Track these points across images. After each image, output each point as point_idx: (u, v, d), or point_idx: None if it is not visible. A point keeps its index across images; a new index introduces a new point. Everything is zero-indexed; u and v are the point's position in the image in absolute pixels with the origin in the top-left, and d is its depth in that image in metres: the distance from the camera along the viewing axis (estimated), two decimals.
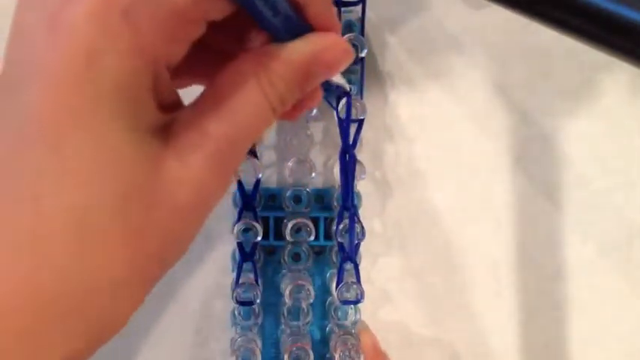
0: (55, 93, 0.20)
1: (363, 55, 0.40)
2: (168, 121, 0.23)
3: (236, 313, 0.41)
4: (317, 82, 0.26)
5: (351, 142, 0.39)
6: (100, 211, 0.20)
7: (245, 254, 0.40)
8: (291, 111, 0.27)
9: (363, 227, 0.40)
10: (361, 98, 0.41)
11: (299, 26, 0.25)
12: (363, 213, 0.43)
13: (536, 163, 0.46)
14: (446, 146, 0.45)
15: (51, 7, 0.20)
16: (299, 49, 0.24)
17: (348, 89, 0.33)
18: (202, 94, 0.24)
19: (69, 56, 0.20)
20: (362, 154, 0.44)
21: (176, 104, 0.24)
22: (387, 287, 0.45)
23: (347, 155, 0.39)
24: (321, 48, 0.25)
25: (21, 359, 0.20)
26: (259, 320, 0.42)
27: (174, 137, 0.22)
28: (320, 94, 0.29)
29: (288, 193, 0.42)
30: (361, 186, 0.43)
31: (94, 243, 0.20)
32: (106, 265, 0.21)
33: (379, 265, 0.45)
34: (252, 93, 0.24)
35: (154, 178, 0.21)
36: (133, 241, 0.21)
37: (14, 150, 0.20)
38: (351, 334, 0.41)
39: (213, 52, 0.26)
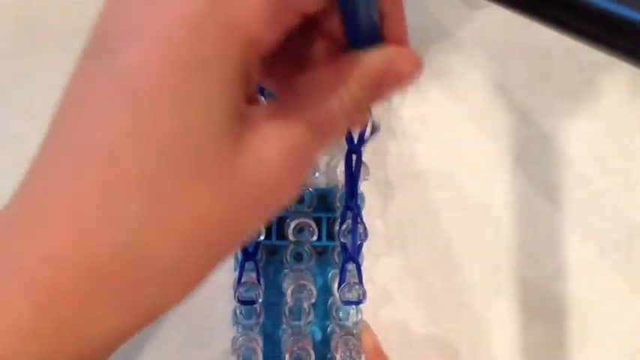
0: (161, 53, 0.20)
1: None
2: (249, 112, 0.23)
3: (238, 312, 0.41)
4: (388, 92, 0.26)
5: (356, 143, 0.39)
6: (171, 182, 0.20)
7: (247, 254, 0.40)
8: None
9: (365, 228, 0.40)
10: None
11: (376, 35, 0.25)
12: (365, 213, 0.43)
13: (536, 163, 0.46)
14: (446, 146, 0.45)
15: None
16: (376, 58, 0.25)
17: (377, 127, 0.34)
18: (280, 97, 0.25)
19: (174, 24, 0.20)
20: (365, 154, 0.44)
21: (254, 99, 0.24)
22: (388, 287, 0.45)
23: (353, 156, 0.39)
24: (396, 59, 0.25)
25: (71, 323, 0.20)
26: (261, 320, 0.42)
27: (254, 127, 0.22)
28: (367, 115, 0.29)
29: None
30: (363, 186, 0.43)
31: (159, 215, 0.20)
32: (168, 241, 0.20)
33: (380, 265, 0.45)
34: (331, 97, 0.23)
35: (232, 160, 0.21)
36: (197, 224, 0.21)
37: (109, 99, 0.20)
38: (352, 334, 0.41)
39: (288, 58, 0.26)
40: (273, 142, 0.22)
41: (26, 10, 0.43)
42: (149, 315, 0.22)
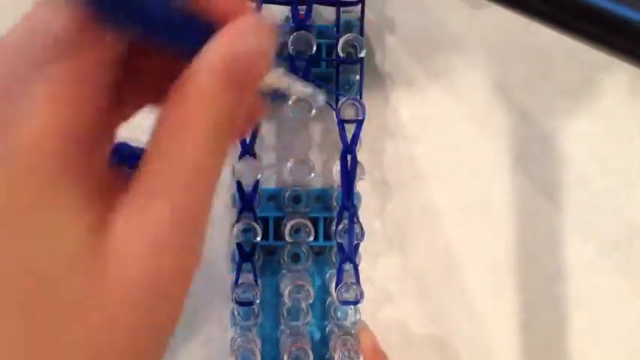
0: None
1: (362, 55, 0.40)
2: (118, 175, 0.21)
3: (235, 313, 0.41)
4: (250, 84, 0.21)
5: (351, 143, 0.39)
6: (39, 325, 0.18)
7: (244, 255, 0.40)
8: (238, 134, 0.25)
9: (362, 228, 0.40)
10: (360, 98, 0.41)
11: (198, 30, 0.21)
12: (363, 213, 0.43)
13: (536, 163, 0.46)
14: (446, 146, 0.45)
15: None
16: (212, 51, 0.20)
17: (321, 100, 0.27)
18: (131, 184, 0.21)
19: None
20: (362, 154, 0.44)
21: (105, 175, 0.21)
22: (387, 287, 0.45)
23: (348, 156, 0.39)
24: (233, 37, 0.20)
25: None
26: (259, 320, 0.42)
27: (120, 201, 0.20)
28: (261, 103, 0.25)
29: (287, 194, 0.42)
30: (361, 186, 0.43)
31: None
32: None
33: (379, 266, 0.45)
34: (180, 147, 0.20)
35: (97, 252, 0.19)
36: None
37: None
38: (350, 334, 0.41)
39: (148, 74, 0.23)
40: (136, 249, 0.19)
41: (25, 10, 0.43)
42: None
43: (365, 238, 0.41)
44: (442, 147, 0.45)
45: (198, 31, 0.21)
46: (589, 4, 0.32)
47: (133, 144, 0.41)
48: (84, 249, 0.19)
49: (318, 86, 0.34)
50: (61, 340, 0.18)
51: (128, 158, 0.35)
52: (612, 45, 0.33)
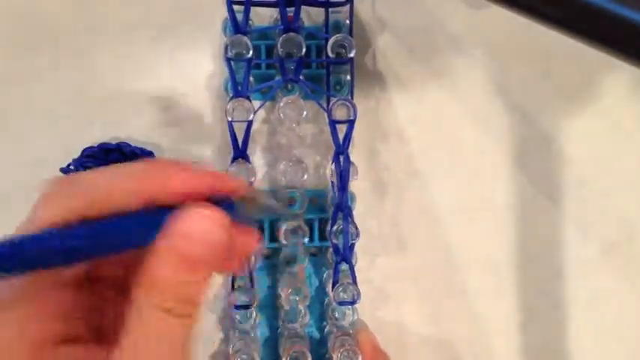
0: None
1: (352, 55, 0.40)
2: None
3: (234, 316, 0.41)
4: (211, 261, 0.23)
5: (343, 143, 0.39)
6: None
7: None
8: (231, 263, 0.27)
9: (357, 228, 0.40)
10: (352, 98, 0.41)
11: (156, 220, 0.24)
12: (361, 214, 0.43)
13: (536, 163, 0.46)
14: (446, 146, 0.45)
15: None
16: (162, 261, 0.23)
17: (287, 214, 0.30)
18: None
19: None
20: (359, 154, 0.44)
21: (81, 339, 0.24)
22: (387, 287, 0.45)
23: (340, 156, 0.39)
24: (179, 237, 0.23)
25: None
26: (257, 323, 0.42)
27: None
28: (253, 236, 0.27)
29: (282, 196, 0.42)
30: (359, 187, 0.43)
31: None
32: None
33: (378, 265, 0.45)
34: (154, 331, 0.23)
35: None
36: None
37: None
38: (349, 334, 0.41)
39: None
40: None
41: (25, 10, 0.43)
42: None
43: (363, 239, 0.41)
44: (442, 147, 0.45)
45: (146, 224, 0.23)
46: (589, 4, 0.32)
47: (133, 144, 0.41)
48: None
49: (312, 90, 0.34)
50: None
51: (130, 157, 0.35)
52: (612, 45, 0.33)
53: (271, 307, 0.44)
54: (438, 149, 0.45)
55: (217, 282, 0.45)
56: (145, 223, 0.23)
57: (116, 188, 0.23)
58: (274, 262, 0.43)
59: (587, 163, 0.46)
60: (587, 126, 0.46)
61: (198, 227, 0.23)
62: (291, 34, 0.39)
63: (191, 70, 0.43)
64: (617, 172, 0.46)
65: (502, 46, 0.45)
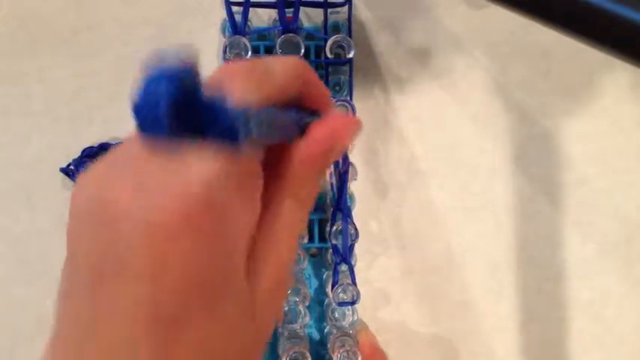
0: (153, 298, 0.20)
1: (350, 55, 0.40)
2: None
3: None
4: (332, 161, 0.28)
5: None
6: None
7: None
8: None
9: (356, 229, 0.40)
10: (350, 99, 0.41)
11: (300, 122, 0.26)
12: (361, 214, 0.43)
13: (536, 163, 0.46)
14: (446, 146, 0.45)
15: (148, 209, 0.20)
16: (309, 147, 0.25)
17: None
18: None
19: (167, 264, 0.20)
20: (359, 154, 0.44)
21: None
22: (388, 287, 0.45)
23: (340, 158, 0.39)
24: (326, 136, 0.26)
25: None
26: None
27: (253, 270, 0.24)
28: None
29: None
30: (360, 187, 0.43)
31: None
32: None
33: (379, 266, 0.45)
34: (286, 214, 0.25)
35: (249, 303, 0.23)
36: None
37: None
38: (348, 335, 0.41)
39: None
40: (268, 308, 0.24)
41: (24, 10, 0.43)
42: None
43: (363, 239, 0.41)
44: (442, 147, 0.45)
45: (297, 122, 0.25)
46: (589, 4, 0.32)
47: None
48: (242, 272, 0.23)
49: None
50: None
51: None
52: (612, 45, 0.33)
53: None
54: (438, 149, 0.45)
55: None
56: (298, 117, 0.26)
57: (289, 79, 0.25)
58: None
59: (587, 163, 0.46)
60: (587, 126, 0.45)
61: (348, 132, 0.26)
62: (290, 34, 0.39)
63: None
64: (617, 172, 0.46)
65: (502, 46, 0.45)
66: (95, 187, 0.21)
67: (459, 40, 0.45)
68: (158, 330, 0.20)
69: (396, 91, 0.45)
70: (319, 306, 0.44)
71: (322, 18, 0.41)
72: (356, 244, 0.41)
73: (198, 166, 0.20)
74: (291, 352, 0.39)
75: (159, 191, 0.20)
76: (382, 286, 0.45)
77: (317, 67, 0.42)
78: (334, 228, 0.40)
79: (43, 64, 0.43)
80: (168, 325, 0.20)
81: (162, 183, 0.20)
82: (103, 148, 0.42)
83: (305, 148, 0.25)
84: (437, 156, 0.45)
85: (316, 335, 0.44)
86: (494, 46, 0.45)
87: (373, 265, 0.45)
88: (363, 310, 0.43)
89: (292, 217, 0.25)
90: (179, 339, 0.20)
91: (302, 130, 0.26)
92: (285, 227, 0.25)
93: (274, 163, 0.25)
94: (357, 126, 0.27)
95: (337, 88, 0.42)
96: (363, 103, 0.44)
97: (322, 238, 0.43)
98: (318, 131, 0.26)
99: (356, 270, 0.41)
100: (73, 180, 0.43)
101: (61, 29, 0.43)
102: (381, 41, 0.45)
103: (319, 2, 0.40)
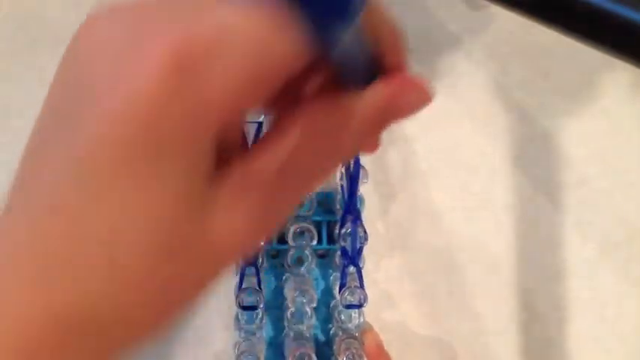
0: (114, 135, 0.19)
1: None
2: (224, 164, 0.21)
3: (240, 317, 0.41)
4: (395, 122, 0.24)
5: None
6: (132, 256, 0.20)
7: (247, 259, 0.40)
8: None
9: (365, 231, 0.40)
10: None
11: (371, 69, 0.23)
12: (366, 215, 0.43)
13: (536, 163, 0.46)
14: (446, 146, 0.45)
15: (124, 43, 0.19)
16: (373, 99, 0.22)
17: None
18: (264, 137, 0.22)
19: (133, 101, 0.19)
20: (364, 156, 0.44)
21: (238, 142, 0.23)
22: (390, 288, 0.45)
23: (351, 160, 0.39)
24: (397, 93, 0.23)
25: None
26: (263, 324, 0.42)
27: (224, 185, 0.21)
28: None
29: None
30: (363, 188, 0.43)
31: (122, 280, 0.20)
32: (132, 299, 0.20)
33: (382, 267, 0.45)
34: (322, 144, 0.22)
35: (198, 233, 0.21)
36: (161, 289, 0.21)
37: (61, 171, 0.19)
38: (354, 337, 0.41)
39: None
40: (237, 215, 0.21)
41: (24, 10, 0.43)
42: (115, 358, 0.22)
43: (369, 240, 0.41)
44: (442, 147, 0.45)
45: (369, 69, 0.22)
46: (589, 4, 0.32)
47: None
48: (198, 195, 0.20)
49: None
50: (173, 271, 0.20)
51: None
52: (612, 45, 0.33)
53: (277, 308, 0.44)
54: (438, 149, 0.45)
55: (223, 283, 0.45)
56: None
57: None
58: (281, 264, 0.43)
59: (587, 163, 0.46)
60: (587, 126, 0.46)
61: (414, 105, 0.23)
62: None
63: None
64: (617, 172, 0.46)
65: (502, 46, 0.45)
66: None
67: (459, 40, 0.45)
68: (102, 172, 0.19)
69: None
70: (325, 307, 0.44)
71: None
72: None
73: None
74: (296, 353, 0.39)
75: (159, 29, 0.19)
76: (385, 286, 0.45)
77: None
78: (343, 230, 0.40)
79: (43, 64, 0.42)
80: (108, 169, 0.19)
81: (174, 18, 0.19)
82: None
83: (373, 98, 0.22)
84: (437, 156, 0.45)
85: (322, 337, 0.44)
86: (494, 46, 0.45)
87: (378, 266, 0.45)
88: (366, 310, 0.43)
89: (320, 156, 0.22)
90: (113, 186, 0.19)
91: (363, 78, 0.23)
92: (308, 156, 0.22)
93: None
94: (426, 97, 0.24)
95: None
96: None
97: (330, 240, 0.43)
98: (393, 85, 0.23)
99: (362, 272, 0.40)
100: None
101: (61, 29, 0.43)
102: None
103: None
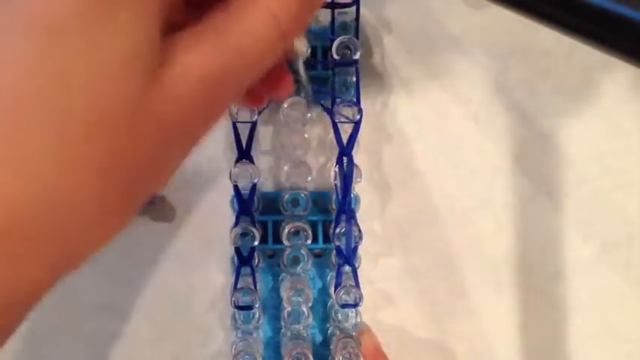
0: None
1: (357, 57, 0.40)
2: (168, 39, 0.21)
3: (236, 317, 0.41)
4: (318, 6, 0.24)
5: (347, 145, 0.39)
6: (78, 124, 0.19)
7: (243, 259, 0.40)
8: (260, 97, 0.26)
9: (360, 230, 0.40)
10: (357, 100, 0.41)
11: None
12: (363, 214, 0.43)
13: (536, 163, 0.46)
14: (446, 146, 0.45)
15: None
16: None
17: (305, 51, 0.27)
18: (203, 19, 0.22)
19: None
20: (362, 155, 0.44)
21: (178, 23, 0.22)
22: (388, 288, 0.45)
23: (344, 158, 0.39)
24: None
25: None
26: (260, 324, 0.42)
27: (172, 58, 0.20)
28: (289, 81, 0.27)
29: (286, 197, 0.42)
30: (361, 187, 0.43)
31: (71, 160, 0.19)
32: (83, 186, 0.19)
33: (380, 266, 0.45)
34: (261, 12, 0.22)
35: (145, 97, 0.20)
36: (108, 163, 0.20)
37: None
38: (351, 337, 0.41)
39: None
40: (190, 72, 0.21)
41: None
42: (69, 263, 0.21)
43: (365, 240, 0.41)
44: (442, 147, 0.45)
45: None
46: (589, 4, 0.32)
47: None
48: (142, 66, 0.20)
49: (318, 91, 0.34)
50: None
51: None
52: (612, 45, 0.33)
53: (274, 308, 0.44)
54: (438, 149, 0.45)
55: (220, 282, 0.45)
56: None
57: None
58: (277, 263, 0.43)
59: (587, 163, 0.46)
60: (587, 126, 0.45)
61: None
62: None
63: None
64: (617, 172, 0.46)
65: (502, 46, 0.45)
66: None
67: (459, 40, 0.45)
68: (50, 35, 0.18)
69: (395, 91, 0.45)
70: (322, 307, 0.44)
71: (330, 18, 0.41)
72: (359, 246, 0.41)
73: None
74: (293, 353, 0.39)
75: None
76: (383, 286, 0.45)
77: (323, 68, 0.42)
78: (338, 229, 0.40)
79: None
80: (57, 29, 0.18)
81: None
82: None
83: None
84: (436, 156, 0.45)
85: (319, 336, 0.44)
86: (494, 46, 0.45)
87: (375, 266, 0.45)
88: (363, 310, 0.43)
89: (262, 34, 0.22)
90: (66, 42, 0.19)
91: None
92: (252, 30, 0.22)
93: None
94: None
95: (343, 89, 0.42)
96: (367, 104, 0.44)
97: (326, 239, 0.43)
98: None
99: (358, 271, 0.40)
100: None
101: None
102: (381, 41, 0.44)
103: (327, 3, 0.40)
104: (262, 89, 0.26)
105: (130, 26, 0.19)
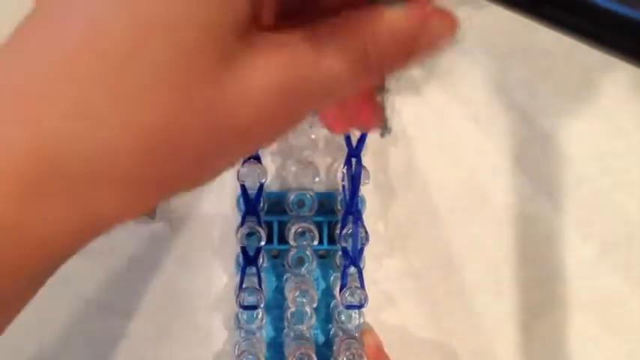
0: None
1: None
2: (255, 35, 0.20)
3: (240, 316, 0.41)
4: (416, 56, 0.22)
5: (356, 147, 0.39)
6: (143, 79, 0.18)
7: (248, 259, 0.40)
8: (342, 122, 0.25)
9: (366, 232, 0.40)
10: None
11: None
12: (367, 216, 0.43)
13: (536, 163, 0.46)
14: (446, 146, 0.45)
15: None
16: (404, 14, 0.21)
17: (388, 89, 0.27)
18: (294, 31, 0.21)
19: None
20: (369, 157, 0.44)
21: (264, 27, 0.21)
22: (390, 289, 0.45)
23: (353, 160, 0.39)
24: (421, 16, 0.21)
25: (11, 223, 0.18)
26: (263, 324, 0.42)
27: (256, 52, 0.19)
28: (370, 112, 0.25)
29: (292, 197, 0.42)
30: (364, 188, 0.43)
31: (123, 112, 0.18)
32: (127, 143, 0.18)
33: (382, 267, 0.45)
34: (354, 41, 0.21)
35: (219, 77, 0.19)
36: (164, 132, 0.18)
37: None
38: (354, 338, 0.41)
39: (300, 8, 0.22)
40: (273, 72, 0.19)
41: (26, 11, 0.43)
42: (97, 225, 0.19)
43: (370, 241, 0.41)
44: (442, 147, 0.45)
45: None
46: (589, 4, 0.32)
47: None
48: (224, 46, 0.19)
49: None
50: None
51: None
52: (612, 45, 0.33)
53: (278, 308, 0.44)
54: (438, 149, 0.45)
55: (223, 282, 0.45)
56: None
57: None
58: (281, 263, 0.43)
59: (587, 163, 0.46)
60: (587, 126, 0.46)
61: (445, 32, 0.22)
62: None
63: None
64: (617, 172, 0.46)
65: (502, 46, 0.45)
66: None
67: (458, 40, 0.45)
68: None
69: (396, 91, 0.45)
70: (326, 308, 0.44)
71: None
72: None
73: None
74: (297, 353, 0.39)
75: None
76: (385, 287, 0.45)
77: None
78: (345, 231, 0.40)
79: None
80: None
81: None
82: None
83: (397, 15, 0.21)
84: (436, 156, 0.45)
85: (321, 337, 0.44)
86: (494, 46, 0.45)
87: (378, 267, 0.45)
88: (366, 311, 0.43)
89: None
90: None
91: None
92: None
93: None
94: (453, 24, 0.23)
95: None
96: None
97: (331, 241, 0.43)
98: (417, 8, 0.21)
99: (363, 272, 0.40)
100: None
101: None
102: None
103: None
104: (343, 115, 0.25)
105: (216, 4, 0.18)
